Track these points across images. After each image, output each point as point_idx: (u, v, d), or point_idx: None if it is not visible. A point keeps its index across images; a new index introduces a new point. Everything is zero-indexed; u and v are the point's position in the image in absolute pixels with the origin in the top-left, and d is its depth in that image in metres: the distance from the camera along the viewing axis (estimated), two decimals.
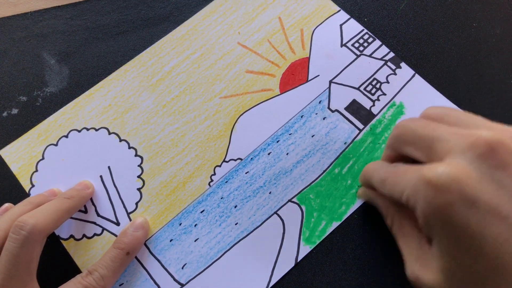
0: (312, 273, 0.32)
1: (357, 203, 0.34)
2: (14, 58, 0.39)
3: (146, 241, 0.33)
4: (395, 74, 0.38)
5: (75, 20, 0.40)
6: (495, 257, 0.20)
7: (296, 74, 0.38)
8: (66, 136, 0.36)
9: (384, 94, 0.37)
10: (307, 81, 0.38)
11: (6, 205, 0.33)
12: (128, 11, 0.40)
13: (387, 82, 0.37)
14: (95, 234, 0.33)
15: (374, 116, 0.36)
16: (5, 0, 0.41)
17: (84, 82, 0.38)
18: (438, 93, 0.37)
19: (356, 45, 0.39)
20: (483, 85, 0.37)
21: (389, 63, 0.38)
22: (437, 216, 0.21)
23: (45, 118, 0.37)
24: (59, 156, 0.36)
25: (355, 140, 0.35)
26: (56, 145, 0.36)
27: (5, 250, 0.28)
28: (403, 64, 0.38)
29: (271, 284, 0.31)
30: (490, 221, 0.20)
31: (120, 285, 0.32)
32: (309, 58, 0.39)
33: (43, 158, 0.36)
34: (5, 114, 0.37)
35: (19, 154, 0.36)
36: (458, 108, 0.36)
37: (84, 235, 0.33)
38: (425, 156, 0.24)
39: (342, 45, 0.39)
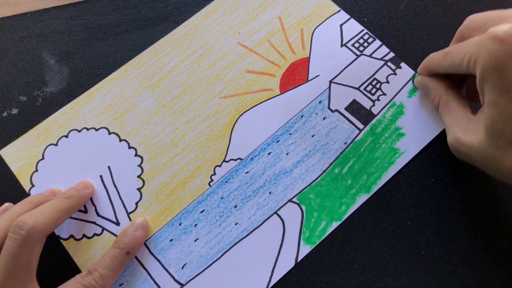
0: (312, 273, 0.32)
1: (357, 203, 0.34)
2: (14, 58, 0.39)
3: (146, 241, 0.33)
4: (395, 74, 0.38)
5: (75, 20, 0.40)
6: None
7: (296, 74, 0.38)
8: (66, 136, 0.36)
9: (384, 94, 0.37)
10: (307, 81, 0.38)
11: (6, 204, 0.33)
12: (128, 11, 0.40)
13: (387, 82, 0.37)
14: (95, 234, 0.33)
15: (374, 116, 0.36)
16: (5, 0, 0.41)
17: (84, 82, 0.38)
18: None
19: (356, 45, 0.39)
20: None
21: (389, 63, 0.38)
22: (495, 67, 0.23)
23: (45, 118, 0.37)
24: (59, 156, 0.36)
25: (355, 140, 0.35)
26: (56, 145, 0.36)
27: (5, 250, 0.28)
28: (403, 64, 0.38)
29: (271, 284, 0.31)
30: None
31: (120, 285, 0.32)
32: (309, 58, 0.39)
33: (43, 158, 0.36)
34: (5, 114, 0.37)
35: (19, 154, 0.36)
36: None
37: (84, 235, 0.33)
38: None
39: (342, 45, 0.39)
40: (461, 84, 0.33)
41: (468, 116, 0.28)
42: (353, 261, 0.32)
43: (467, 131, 0.27)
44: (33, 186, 0.35)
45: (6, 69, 0.39)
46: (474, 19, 0.29)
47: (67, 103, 0.38)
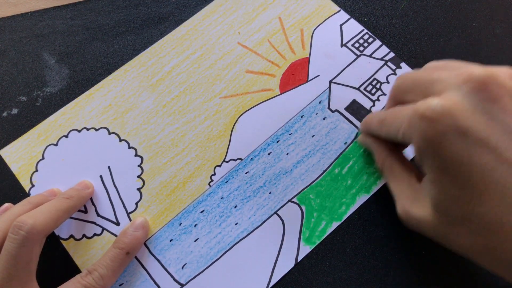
0: (312, 273, 0.32)
1: (357, 203, 0.34)
2: (14, 58, 0.39)
3: (146, 241, 0.33)
4: (395, 74, 0.38)
5: (75, 20, 0.40)
6: (481, 186, 0.21)
7: (296, 74, 0.38)
8: (66, 136, 0.36)
9: (384, 94, 0.37)
10: (307, 81, 0.38)
11: (6, 205, 0.33)
12: (128, 11, 0.40)
13: (387, 82, 0.37)
14: (95, 234, 0.33)
15: None
16: (5, 0, 0.41)
17: (84, 82, 0.38)
18: None
19: (356, 45, 0.39)
20: None
21: (389, 63, 0.38)
22: (430, 146, 0.22)
23: (45, 118, 0.37)
24: (59, 156, 0.36)
25: (355, 140, 0.35)
26: (56, 145, 0.36)
27: (4, 250, 0.28)
28: (403, 64, 0.38)
29: (271, 284, 0.31)
30: (479, 150, 0.21)
31: (120, 285, 0.32)
32: (309, 58, 0.39)
33: (43, 158, 0.36)
34: (5, 114, 0.37)
35: (19, 154, 0.36)
36: None
37: (84, 235, 0.33)
38: (424, 96, 0.24)
39: (342, 45, 0.39)
40: (405, 145, 0.32)
41: (414, 185, 0.27)
42: (353, 261, 0.32)
43: (415, 203, 0.26)
44: (33, 186, 0.35)
45: (6, 69, 0.39)
46: (404, 81, 0.28)
47: (67, 103, 0.38)
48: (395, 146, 0.31)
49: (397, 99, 0.28)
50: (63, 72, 0.38)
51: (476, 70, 0.22)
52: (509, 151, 0.21)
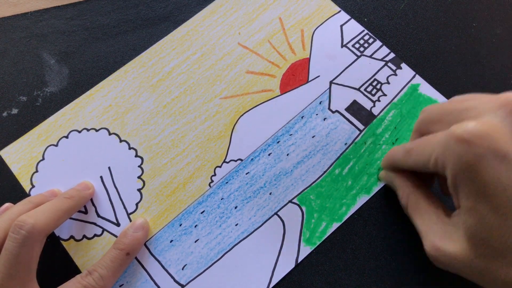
0: (312, 273, 0.32)
1: (358, 204, 0.34)
2: (14, 58, 0.39)
3: (146, 242, 0.33)
4: (395, 75, 0.38)
5: (75, 20, 0.40)
6: None
7: (296, 75, 0.38)
8: (67, 137, 0.36)
9: (385, 95, 0.37)
10: (307, 81, 0.38)
11: (6, 204, 0.33)
12: (128, 11, 0.40)
13: (388, 83, 0.37)
14: (95, 235, 0.33)
15: (374, 116, 0.36)
16: (5, 0, 0.41)
17: (84, 82, 0.38)
18: (438, 93, 0.37)
19: (357, 45, 0.39)
20: (483, 85, 0.37)
21: (389, 64, 0.38)
22: (467, 171, 0.21)
23: (45, 118, 0.37)
24: (59, 157, 0.36)
25: (355, 141, 0.35)
26: (56, 145, 0.36)
27: (5, 250, 0.28)
28: (403, 65, 0.38)
29: (271, 285, 0.31)
30: None
31: (120, 286, 0.32)
32: (309, 58, 0.39)
33: (43, 159, 0.36)
34: (5, 114, 0.37)
35: (19, 155, 0.36)
36: None
37: (84, 236, 0.33)
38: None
39: (342, 46, 0.39)
40: (431, 180, 0.31)
41: (443, 219, 0.25)
42: (353, 261, 0.32)
43: (446, 238, 0.24)
44: (33, 186, 0.35)
45: (6, 69, 0.39)
46: (431, 112, 0.27)
47: (67, 103, 0.38)
48: (420, 181, 0.29)
49: (423, 132, 0.27)
50: (63, 72, 0.38)
51: (510, 95, 0.22)
52: None
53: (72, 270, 0.32)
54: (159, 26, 0.40)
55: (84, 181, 0.34)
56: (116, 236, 0.33)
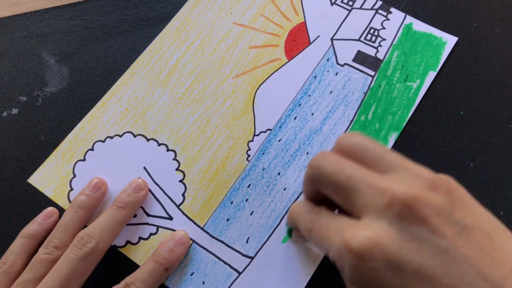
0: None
1: (390, 142, 0.35)
2: (14, 58, 0.39)
3: (204, 226, 0.33)
4: (388, 19, 0.40)
5: (75, 20, 0.40)
6: None
7: (297, 40, 0.39)
8: (92, 149, 0.36)
9: (384, 39, 0.39)
10: (310, 43, 0.39)
11: (49, 209, 0.34)
12: (128, 11, 0.40)
13: (383, 28, 0.39)
14: (151, 234, 0.33)
15: (381, 61, 0.38)
16: (5, 0, 0.41)
17: (84, 82, 0.38)
18: (430, 27, 0.39)
19: (345, 0, 0.41)
20: (483, 85, 0.37)
21: (380, 11, 0.40)
22: (364, 283, 0.21)
23: (45, 118, 0.37)
24: (91, 170, 0.35)
25: (371, 86, 0.37)
26: (84, 160, 0.36)
27: (64, 259, 0.29)
28: (392, 9, 0.40)
29: None
30: (416, 281, 0.19)
31: (191, 274, 0.32)
32: (305, 22, 0.40)
33: (74, 176, 0.35)
34: (5, 114, 0.37)
35: (48, 178, 0.35)
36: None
37: (140, 238, 0.33)
38: (343, 204, 0.23)
39: (332, 4, 0.41)
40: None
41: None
42: None
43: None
44: None
45: (6, 69, 0.39)
46: (319, 173, 0.24)
47: (67, 103, 0.38)
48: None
49: (316, 189, 0.25)
50: (63, 72, 0.38)
51: (398, 191, 0.20)
52: (446, 275, 0.19)
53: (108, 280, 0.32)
54: (159, 26, 0.40)
55: (135, 180, 0.34)
56: (172, 230, 0.33)
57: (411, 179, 0.21)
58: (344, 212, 0.23)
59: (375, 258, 0.20)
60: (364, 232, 0.20)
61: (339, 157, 0.24)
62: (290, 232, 0.32)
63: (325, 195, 0.24)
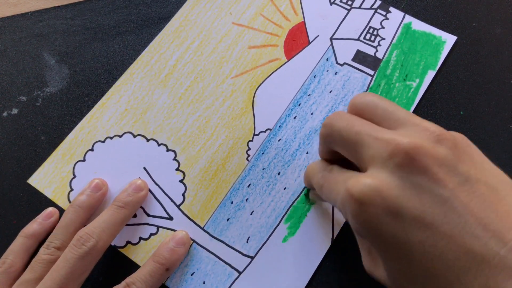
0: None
1: None
2: (14, 58, 0.39)
3: (204, 226, 0.33)
4: (387, 18, 0.40)
5: (75, 20, 0.40)
6: (424, 263, 0.20)
7: (297, 39, 0.40)
8: (92, 150, 0.36)
9: (383, 38, 0.39)
10: (309, 43, 0.39)
11: (50, 209, 0.34)
12: (128, 11, 0.40)
13: (382, 27, 0.39)
14: (151, 234, 0.33)
15: (380, 60, 0.38)
16: (5, 0, 0.41)
17: (84, 82, 0.38)
18: (429, 26, 0.39)
19: (344, 0, 0.41)
20: (483, 85, 0.37)
21: (379, 10, 0.40)
22: (365, 229, 0.21)
23: (45, 118, 0.37)
24: (90, 170, 0.35)
25: (370, 86, 0.37)
26: (84, 160, 0.36)
27: (63, 258, 0.29)
28: (391, 8, 0.40)
29: (335, 234, 0.33)
30: (415, 229, 0.20)
31: (191, 274, 0.32)
32: (304, 21, 0.40)
33: (74, 176, 0.35)
34: (5, 114, 0.37)
35: (48, 179, 0.35)
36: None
37: (140, 238, 0.33)
38: (354, 159, 0.24)
39: (331, 4, 0.41)
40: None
41: (373, 252, 0.24)
42: (353, 261, 0.32)
43: (375, 263, 0.24)
44: None
45: (6, 69, 0.39)
46: (331, 132, 0.25)
47: (67, 103, 0.38)
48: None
49: (329, 148, 0.27)
50: (63, 72, 0.38)
51: (401, 141, 0.21)
52: (446, 224, 0.20)
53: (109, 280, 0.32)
54: (159, 26, 0.40)
55: (134, 181, 0.34)
56: (172, 230, 0.33)
57: (418, 133, 0.22)
58: (357, 169, 0.24)
59: (374, 204, 0.20)
60: (365, 181, 0.21)
61: (350, 115, 0.25)
62: (307, 194, 0.33)
63: (338, 155, 0.25)
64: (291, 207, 0.34)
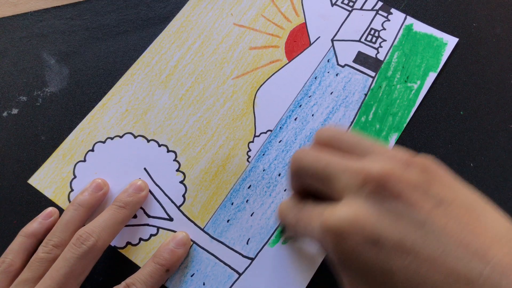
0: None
1: (391, 143, 0.35)
2: (14, 58, 0.39)
3: (204, 227, 0.33)
4: (388, 20, 0.40)
5: (75, 20, 0.40)
6: None
7: (298, 41, 0.39)
8: (92, 150, 0.36)
9: (384, 40, 0.39)
10: (310, 44, 0.39)
11: (50, 209, 0.33)
12: (128, 11, 0.40)
13: (384, 29, 0.39)
14: (151, 235, 0.33)
15: (381, 62, 0.38)
16: (5, 0, 0.41)
17: (84, 82, 0.38)
18: (431, 28, 0.39)
19: (346, 1, 0.41)
20: (483, 85, 0.37)
21: (380, 12, 0.40)
22: (346, 260, 0.21)
23: (45, 118, 0.37)
24: (91, 171, 0.35)
25: (371, 87, 0.37)
26: (84, 161, 0.36)
27: (62, 258, 0.29)
28: (393, 10, 0.40)
29: None
30: (396, 255, 0.19)
31: (191, 276, 0.32)
32: (305, 23, 0.40)
33: (75, 177, 0.35)
34: (5, 114, 0.37)
35: (49, 179, 0.35)
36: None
37: (140, 239, 0.33)
38: (326, 190, 0.24)
39: (333, 5, 0.40)
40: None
41: None
42: None
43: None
44: None
45: (6, 69, 0.39)
46: (299, 166, 0.25)
47: (67, 103, 0.38)
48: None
49: (300, 182, 0.27)
50: (63, 72, 0.38)
51: (372, 168, 0.21)
52: (426, 247, 0.19)
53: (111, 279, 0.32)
54: (159, 26, 0.40)
55: (135, 181, 0.34)
56: (172, 231, 0.33)
57: (386, 160, 0.22)
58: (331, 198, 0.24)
59: (353, 234, 0.20)
60: (340, 210, 0.21)
61: (316, 148, 0.25)
62: (282, 230, 0.32)
63: (310, 188, 0.25)
64: None
